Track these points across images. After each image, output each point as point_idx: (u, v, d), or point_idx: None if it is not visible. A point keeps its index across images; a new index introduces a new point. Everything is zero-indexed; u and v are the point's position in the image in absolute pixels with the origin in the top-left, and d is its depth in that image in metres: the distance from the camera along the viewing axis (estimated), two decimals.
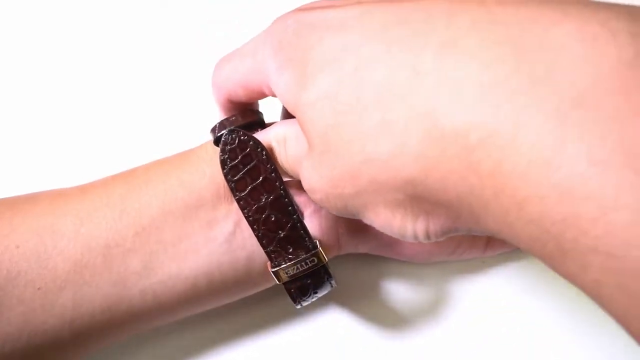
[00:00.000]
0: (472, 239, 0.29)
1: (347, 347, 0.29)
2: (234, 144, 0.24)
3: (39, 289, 0.23)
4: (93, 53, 0.37)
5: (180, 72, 0.37)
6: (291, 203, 0.24)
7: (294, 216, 0.24)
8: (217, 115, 0.26)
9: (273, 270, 0.24)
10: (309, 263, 0.24)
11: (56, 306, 0.23)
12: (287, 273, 0.24)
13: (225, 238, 0.25)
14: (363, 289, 0.30)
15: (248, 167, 0.24)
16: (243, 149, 0.24)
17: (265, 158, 0.24)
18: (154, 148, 0.33)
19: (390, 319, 0.30)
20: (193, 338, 0.29)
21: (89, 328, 0.24)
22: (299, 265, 0.24)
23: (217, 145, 0.25)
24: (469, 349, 0.29)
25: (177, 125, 0.35)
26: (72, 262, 0.24)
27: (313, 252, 0.24)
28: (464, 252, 0.29)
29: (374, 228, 0.26)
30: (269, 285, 0.27)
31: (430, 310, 0.30)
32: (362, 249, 0.28)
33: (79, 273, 0.24)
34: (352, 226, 0.27)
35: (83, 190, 0.26)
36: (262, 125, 0.26)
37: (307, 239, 0.24)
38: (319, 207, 0.26)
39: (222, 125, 0.25)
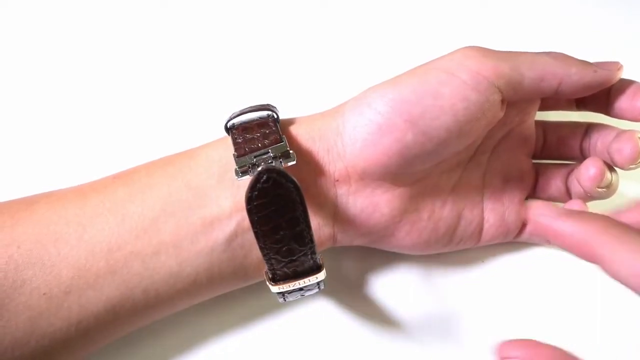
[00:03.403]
0: (466, 229, 0.29)
1: (336, 340, 0.30)
2: (268, 183, 0.22)
3: (44, 294, 0.24)
4: (91, 53, 0.37)
5: (179, 71, 0.37)
6: (309, 233, 0.24)
7: (309, 245, 0.24)
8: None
9: (275, 291, 0.25)
10: (307, 282, 0.25)
11: (62, 310, 0.24)
12: (283, 288, 0.25)
13: (227, 237, 0.26)
14: (357, 282, 0.31)
15: (277, 206, 0.23)
16: (277, 188, 0.23)
17: (299, 199, 0.23)
18: (151, 146, 0.34)
19: (383, 312, 0.30)
20: (179, 333, 0.30)
21: (95, 327, 0.25)
22: (298, 283, 0.25)
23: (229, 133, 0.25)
24: (461, 343, 0.30)
25: (174, 123, 0.35)
26: (76, 268, 0.24)
27: (317, 273, 0.25)
28: (459, 242, 0.29)
29: (370, 222, 0.27)
30: (262, 278, 0.27)
31: (424, 304, 0.31)
32: (358, 242, 0.29)
33: (83, 278, 0.24)
34: (348, 220, 0.27)
35: (83, 194, 0.26)
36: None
37: (313, 262, 0.25)
38: (314, 202, 0.27)
39: (251, 149, 0.25)
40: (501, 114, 0.27)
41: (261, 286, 0.28)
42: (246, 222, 0.25)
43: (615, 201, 0.30)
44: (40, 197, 0.26)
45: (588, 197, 0.28)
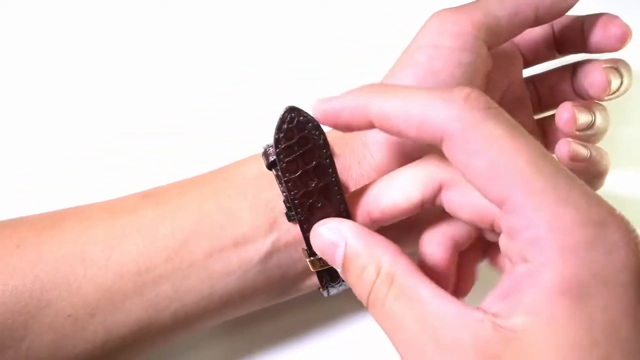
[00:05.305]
0: None
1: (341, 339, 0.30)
2: (292, 123, 0.22)
3: (69, 316, 0.23)
4: (93, 54, 0.36)
5: (179, 71, 0.36)
6: (340, 192, 0.23)
7: (341, 205, 0.23)
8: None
9: (309, 259, 0.24)
10: None
11: (87, 332, 0.23)
12: (320, 261, 0.24)
13: (261, 258, 0.25)
14: None
15: (303, 149, 0.23)
16: (301, 130, 0.22)
17: (322, 143, 0.23)
18: (155, 147, 0.34)
19: None
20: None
21: (121, 349, 0.24)
22: None
23: (270, 169, 0.24)
24: None
25: (177, 123, 0.35)
26: (103, 290, 0.23)
27: None
28: None
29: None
30: (301, 293, 0.27)
31: None
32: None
33: (109, 299, 0.23)
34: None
35: (112, 213, 0.25)
36: None
37: None
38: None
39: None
40: (491, 63, 0.26)
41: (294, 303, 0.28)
42: (282, 240, 0.25)
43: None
44: (68, 214, 0.25)
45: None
